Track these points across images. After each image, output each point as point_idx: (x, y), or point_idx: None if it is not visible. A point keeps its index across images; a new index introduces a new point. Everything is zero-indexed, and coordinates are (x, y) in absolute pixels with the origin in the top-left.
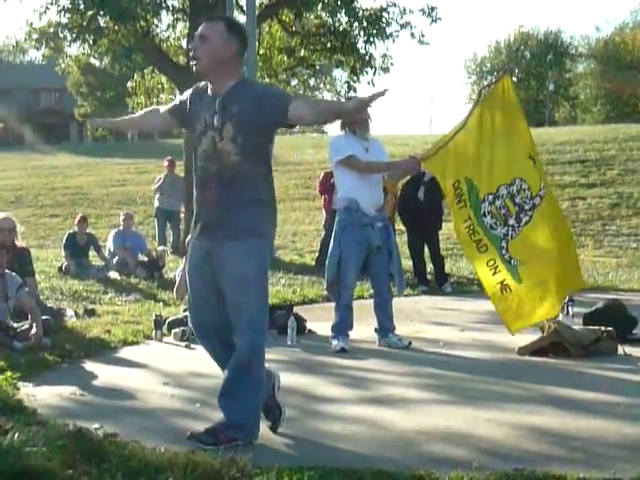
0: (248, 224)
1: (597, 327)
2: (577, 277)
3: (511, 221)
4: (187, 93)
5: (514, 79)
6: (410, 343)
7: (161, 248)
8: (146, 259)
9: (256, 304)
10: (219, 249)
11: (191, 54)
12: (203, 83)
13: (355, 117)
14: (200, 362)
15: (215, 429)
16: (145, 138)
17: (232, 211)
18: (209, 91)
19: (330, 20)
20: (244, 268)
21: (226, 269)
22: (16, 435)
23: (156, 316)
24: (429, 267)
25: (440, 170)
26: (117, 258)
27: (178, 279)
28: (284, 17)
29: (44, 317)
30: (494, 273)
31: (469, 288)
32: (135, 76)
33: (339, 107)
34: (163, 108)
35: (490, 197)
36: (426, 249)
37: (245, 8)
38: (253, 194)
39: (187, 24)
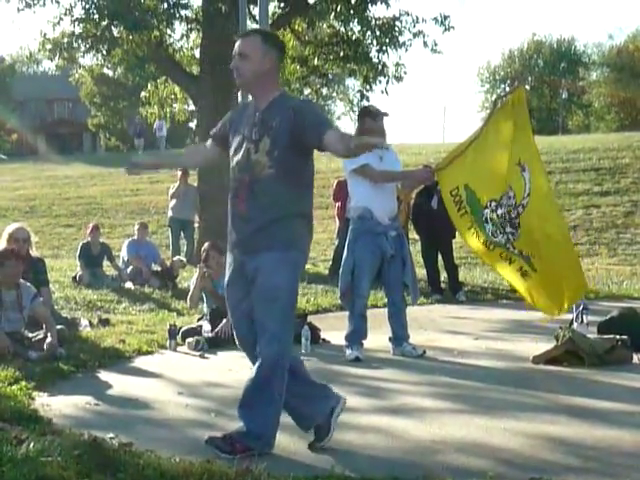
0: (279, 237)
1: (612, 336)
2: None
3: (508, 229)
4: (229, 113)
5: (527, 87)
6: (424, 352)
7: (176, 258)
8: (159, 269)
9: (282, 316)
10: (251, 260)
11: (234, 73)
12: (248, 100)
13: (372, 126)
14: (214, 371)
15: (232, 437)
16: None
17: (262, 223)
18: (251, 105)
19: (343, 29)
20: (273, 278)
21: (257, 279)
22: (31, 445)
23: (170, 326)
24: (443, 276)
25: (446, 180)
26: (131, 268)
27: (192, 288)
28: (297, 26)
29: (59, 327)
30: (510, 262)
31: (483, 297)
32: (148, 86)
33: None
34: (208, 142)
35: (493, 204)
36: (440, 258)
37: (258, 18)
38: (285, 208)
39: (200, 34)
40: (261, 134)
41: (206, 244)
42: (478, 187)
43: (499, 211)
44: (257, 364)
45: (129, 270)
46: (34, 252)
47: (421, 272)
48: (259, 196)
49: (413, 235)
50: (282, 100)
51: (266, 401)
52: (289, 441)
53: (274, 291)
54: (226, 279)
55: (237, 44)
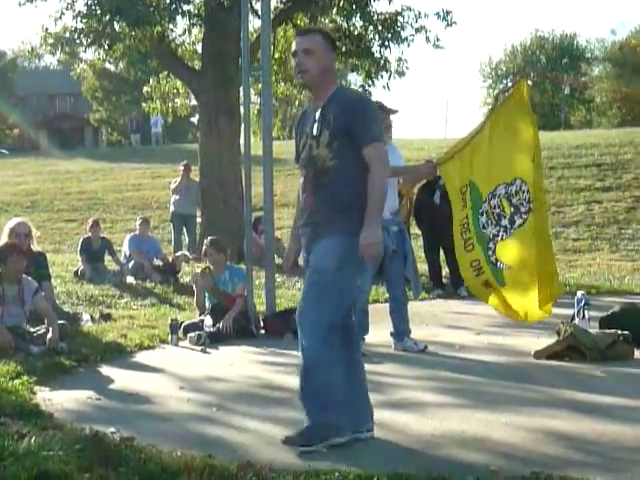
0: (344, 224)
1: (613, 331)
2: (556, 286)
3: (504, 222)
4: (294, 130)
5: (529, 82)
6: (426, 347)
7: (180, 253)
8: (161, 264)
9: (331, 301)
10: (313, 247)
11: (297, 69)
12: (304, 109)
13: (384, 121)
14: (216, 366)
15: (304, 431)
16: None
17: (327, 213)
18: (310, 107)
19: (345, 24)
20: (324, 262)
21: (310, 263)
22: (33, 439)
23: (172, 320)
24: (444, 271)
25: (451, 175)
26: (133, 262)
27: (195, 293)
28: (299, 21)
29: (60, 321)
30: (477, 274)
31: None
32: (150, 81)
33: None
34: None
35: (489, 196)
36: (442, 253)
37: (260, 12)
38: (348, 196)
39: (202, 29)
40: (321, 129)
41: (205, 241)
42: (480, 181)
43: (493, 201)
44: (302, 353)
45: (131, 265)
46: (35, 247)
47: (423, 267)
48: (323, 188)
49: (415, 230)
50: (339, 94)
51: (320, 387)
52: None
53: (320, 274)
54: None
55: (297, 42)
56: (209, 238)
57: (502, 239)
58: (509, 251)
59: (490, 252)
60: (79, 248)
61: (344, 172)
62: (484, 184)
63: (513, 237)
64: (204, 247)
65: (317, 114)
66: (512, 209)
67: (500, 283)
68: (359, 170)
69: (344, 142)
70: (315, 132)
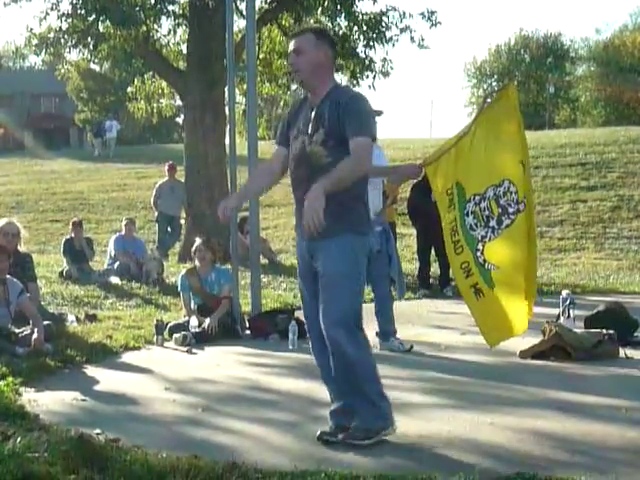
0: (346, 224)
1: (598, 330)
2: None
3: (492, 222)
4: (286, 114)
5: (515, 82)
6: (411, 347)
7: (152, 258)
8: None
9: (344, 299)
10: (314, 245)
11: (291, 69)
12: (302, 97)
13: None
14: (202, 367)
15: (359, 426)
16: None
17: (326, 213)
18: (306, 101)
19: (330, 24)
20: (335, 265)
21: (319, 265)
22: (18, 440)
23: (157, 321)
24: (434, 270)
25: (436, 176)
26: (118, 263)
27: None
28: (284, 21)
29: (45, 322)
30: (467, 276)
31: None
32: (135, 81)
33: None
34: (275, 149)
35: (477, 198)
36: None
37: (245, 13)
38: (346, 194)
39: (187, 29)
40: (316, 127)
41: (198, 239)
42: (466, 183)
43: (482, 204)
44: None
45: (116, 265)
46: (21, 247)
47: (408, 267)
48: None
49: (400, 230)
50: (335, 93)
51: (359, 382)
52: (276, 436)
53: (333, 278)
54: (298, 271)
55: (291, 44)
56: (204, 237)
57: (490, 240)
58: (497, 252)
59: (479, 253)
60: (62, 249)
61: None
62: (470, 185)
63: (501, 237)
64: (195, 244)
65: (312, 113)
66: (500, 210)
67: (489, 284)
68: None
69: (339, 140)
70: (310, 130)
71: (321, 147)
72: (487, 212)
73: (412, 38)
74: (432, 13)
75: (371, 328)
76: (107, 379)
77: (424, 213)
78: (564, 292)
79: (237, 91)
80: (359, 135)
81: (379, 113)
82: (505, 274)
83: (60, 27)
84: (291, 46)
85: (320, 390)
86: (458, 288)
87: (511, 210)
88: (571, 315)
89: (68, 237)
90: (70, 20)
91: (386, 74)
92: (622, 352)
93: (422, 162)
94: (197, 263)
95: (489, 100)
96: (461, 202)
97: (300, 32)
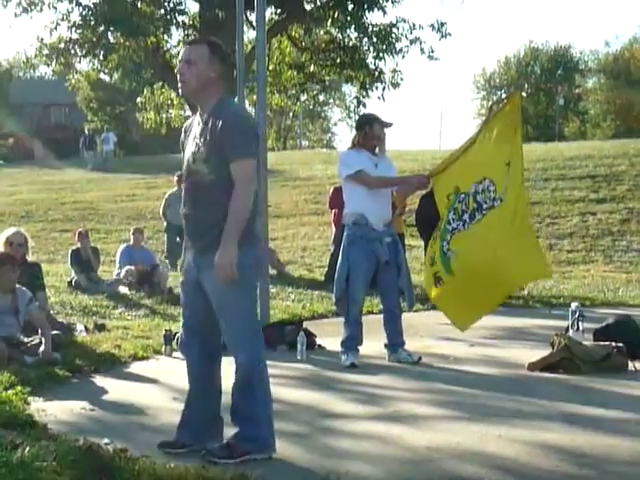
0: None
1: (607, 343)
2: (539, 267)
3: (465, 216)
4: (186, 122)
5: (524, 94)
6: (420, 359)
7: (161, 267)
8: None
9: (236, 320)
10: (204, 263)
11: (179, 79)
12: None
13: (379, 133)
14: None
15: (229, 443)
16: (154, 154)
17: (204, 226)
18: (196, 116)
19: (340, 36)
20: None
21: (205, 282)
22: (26, 450)
23: (166, 331)
24: None
25: (441, 187)
26: (125, 272)
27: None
28: (294, 33)
29: (54, 332)
30: (431, 264)
31: None
32: (145, 91)
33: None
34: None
35: (462, 196)
36: None
37: (255, 24)
38: (225, 211)
39: None
40: (201, 142)
41: None
42: (462, 185)
43: (465, 201)
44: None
45: (122, 274)
46: (30, 257)
47: (417, 279)
48: (201, 201)
49: (409, 241)
50: (218, 110)
51: (253, 403)
52: (284, 447)
53: (222, 296)
54: (181, 279)
55: (184, 51)
56: None
57: (459, 231)
58: (462, 241)
59: (445, 243)
60: (69, 260)
61: (223, 187)
62: (463, 186)
63: (469, 230)
64: None
65: (198, 128)
66: (475, 205)
67: (447, 271)
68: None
69: (220, 158)
70: (194, 147)
71: (204, 165)
72: (464, 207)
73: (422, 49)
74: (442, 25)
75: (380, 339)
76: (115, 389)
77: (430, 223)
78: (573, 304)
79: (247, 102)
80: (238, 157)
81: (388, 125)
82: (466, 262)
83: (70, 37)
84: (183, 54)
85: (329, 401)
86: (425, 283)
87: (485, 206)
88: (580, 328)
89: (75, 248)
90: (80, 30)
91: (396, 85)
92: (631, 365)
93: (429, 173)
94: None
95: (495, 108)
96: (453, 204)
97: (195, 41)
